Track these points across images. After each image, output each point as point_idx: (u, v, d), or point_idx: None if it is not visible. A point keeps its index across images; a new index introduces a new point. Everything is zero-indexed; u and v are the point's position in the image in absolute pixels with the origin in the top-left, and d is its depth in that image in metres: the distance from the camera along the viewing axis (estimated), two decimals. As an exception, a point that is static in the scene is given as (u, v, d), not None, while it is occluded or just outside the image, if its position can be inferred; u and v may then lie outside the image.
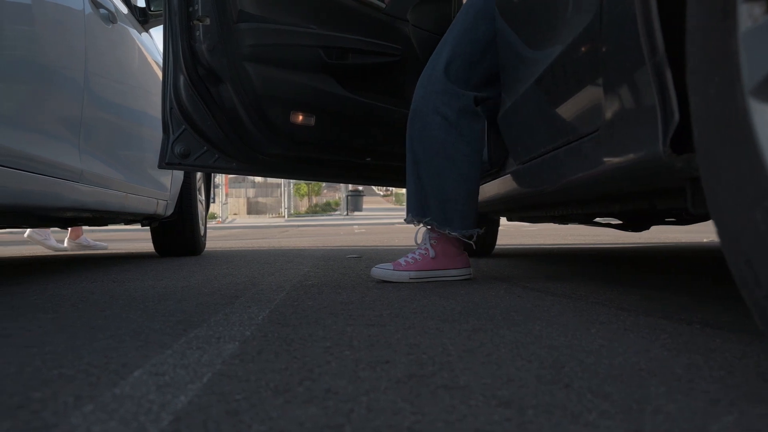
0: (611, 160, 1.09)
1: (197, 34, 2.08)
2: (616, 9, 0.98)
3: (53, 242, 4.64)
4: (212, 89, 2.13)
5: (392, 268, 2.05)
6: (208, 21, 2.07)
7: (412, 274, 2.03)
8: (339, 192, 28.41)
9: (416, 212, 2.04)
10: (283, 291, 1.86)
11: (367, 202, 28.06)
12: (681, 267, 2.70)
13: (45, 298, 1.74)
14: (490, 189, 2.27)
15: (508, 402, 0.74)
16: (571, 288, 1.86)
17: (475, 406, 0.72)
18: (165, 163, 2.17)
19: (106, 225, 3.76)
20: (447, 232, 2.02)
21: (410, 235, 7.43)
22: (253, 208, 29.62)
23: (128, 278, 2.29)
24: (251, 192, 31.39)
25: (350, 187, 24.35)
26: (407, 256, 2.09)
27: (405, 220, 2.11)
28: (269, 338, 1.14)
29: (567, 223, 3.52)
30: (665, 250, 3.86)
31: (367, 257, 3.41)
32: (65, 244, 4.64)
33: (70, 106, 2.22)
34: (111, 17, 2.56)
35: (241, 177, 29.82)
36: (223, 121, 2.14)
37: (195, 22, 2.07)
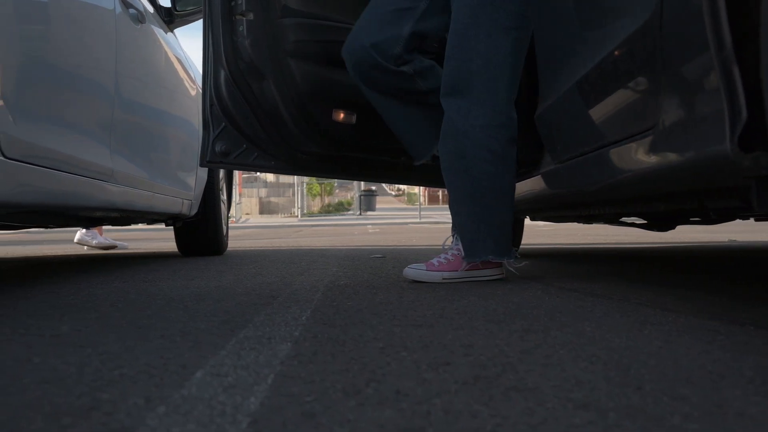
0: (668, 158, 1.08)
1: (240, 29, 2.07)
2: (680, 4, 0.96)
3: (102, 240, 4.72)
4: (254, 85, 2.12)
5: (425, 268, 2.04)
6: (251, 16, 2.06)
7: (445, 274, 2.02)
8: (351, 191, 28.44)
9: (473, 252, 2.01)
10: (317, 291, 1.86)
11: (379, 202, 28.08)
12: (707, 267, 2.68)
13: (82, 298, 1.75)
14: (521, 188, 2.25)
15: (585, 405, 0.72)
16: (607, 288, 1.85)
17: (552, 409, 0.71)
18: (207, 161, 2.17)
19: (129, 225, 3.78)
20: (505, 260, 2.05)
21: (426, 235, 7.43)
22: (265, 208, 29.69)
23: (159, 278, 2.29)
24: (263, 192, 31.46)
25: (363, 186, 24.36)
26: (439, 257, 2.08)
27: (465, 260, 2.03)
28: (320, 339, 1.13)
29: (591, 223, 3.50)
30: (687, 250, 3.83)
31: (391, 257, 3.40)
32: (77, 237, 4.68)
33: (102, 106, 2.22)
34: (140, 17, 2.56)
35: (253, 176, 29.91)
36: (263, 118, 2.13)
37: (238, 16, 2.06)
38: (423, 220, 14.86)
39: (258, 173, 27.28)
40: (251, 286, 2.01)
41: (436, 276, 2.02)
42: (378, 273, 2.43)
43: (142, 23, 2.60)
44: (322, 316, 1.39)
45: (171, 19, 3.11)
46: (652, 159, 1.12)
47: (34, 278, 2.35)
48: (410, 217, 17.12)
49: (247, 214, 27.03)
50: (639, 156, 1.16)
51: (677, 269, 2.58)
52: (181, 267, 2.82)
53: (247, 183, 30.01)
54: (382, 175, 2.51)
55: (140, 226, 4.39)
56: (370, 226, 12.05)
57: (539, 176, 1.90)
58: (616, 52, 1.19)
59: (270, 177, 30.17)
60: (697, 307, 1.46)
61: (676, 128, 1.03)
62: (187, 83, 3.33)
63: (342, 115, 2.20)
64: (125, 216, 2.86)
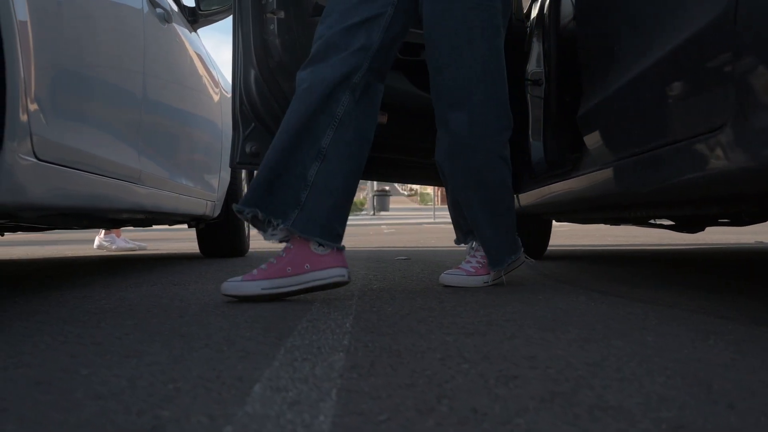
0: (738, 160, 1.02)
1: (271, 27, 2.03)
2: (760, -1, 0.91)
3: (122, 243, 4.72)
4: (284, 85, 2.08)
5: (464, 274, 1.99)
6: (282, 14, 2.02)
7: (486, 278, 1.98)
8: (364, 192, 28.38)
9: (500, 260, 1.96)
10: (353, 296, 1.81)
11: (392, 202, 28.00)
12: (746, 271, 2.61)
13: (114, 303, 1.71)
14: (556, 190, 2.20)
15: (681, 426, 0.68)
16: (653, 294, 1.79)
17: (648, 431, 0.66)
18: (236, 162, 2.12)
19: (150, 226, 3.75)
20: (523, 257, 2.03)
21: (443, 235, 7.38)
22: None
23: (187, 281, 2.25)
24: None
25: (376, 186, 24.31)
26: (470, 262, 2.03)
27: (493, 269, 1.98)
28: (372, 348, 1.09)
29: (619, 224, 3.44)
30: (719, 252, 3.76)
31: (416, 259, 3.36)
32: (96, 243, 4.67)
33: (130, 107, 2.19)
34: (166, 17, 2.53)
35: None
36: None
37: (268, 15, 2.02)
38: (437, 220, 14.80)
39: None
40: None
41: (477, 281, 1.98)
42: (408, 276, 2.39)
43: (168, 23, 2.57)
44: (366, 323, 1.34)
45: (195, 18, 3.08)
46: (721, 160, 1.07)
47: (62, 280, 2.33)
48: (424, 218, 17.06)
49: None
50: (705, 156, 1.11)
51: (718, 272, 2.52)
52: (206, 269, 2.78)
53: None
54: (414, 176, 2.46)
55: (155, 226, 4.37)
56: (384, 227, 11.99)
57: (580, 177, 1.85)
58: (681, 48, 1.14)
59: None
60: (754, 314, 1.41)
61: (749, 129, 0.98)
62: (210, 84, 3.30)
63: None
64: (150, 218, 2.83)
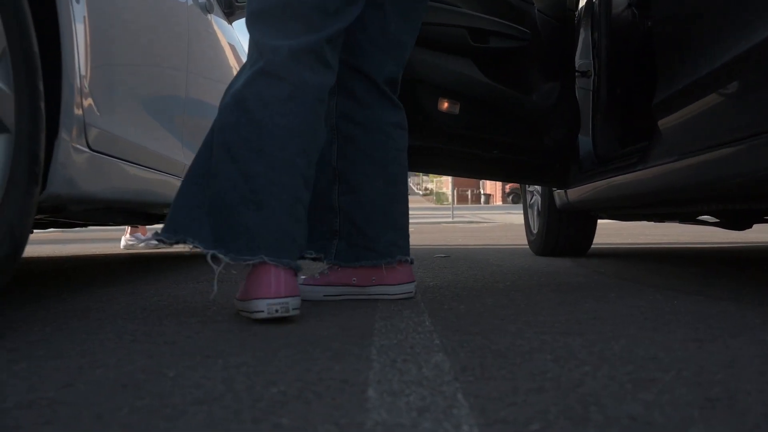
0: None
1: None
2: None
3: (149, 241, 4.65)
4: None
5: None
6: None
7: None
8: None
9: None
10: (416, 293, 1.73)
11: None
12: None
13: (167, 300, 1.64)
14: (618, 183, 2.10)
15: None
16: (733, 291, 1.70)
17: None
18: None
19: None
20: None
21: (467, 234, 7.28)
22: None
23: (232, 278, 2.17)
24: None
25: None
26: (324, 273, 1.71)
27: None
28: (471, 348, 1.00)
29: (664, 221, 3.33)
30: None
31: (454, 257, 3.27)
32: (123, 243, 4.60)
33: (175, 100, 2.12)
34: (208, 6, 2.46)
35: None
36: None
37: None
38: (456, 219, 14.67)
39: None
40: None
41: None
42: (459, 273, 2.30)
43: (210, 13, 2.50)
44: (446, 322, 1.26)
45: (231, 11, 3.01)
46: None
47: (105, 277, 2.26)
48: (442, 217, 16.92)
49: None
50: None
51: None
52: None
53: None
54: (481, 170, 2.34)
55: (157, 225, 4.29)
56: (403, 226, 11.87)
57: (652, 169, 1.75)
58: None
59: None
60: None
61: None
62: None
63: (446, 105, 2.06)
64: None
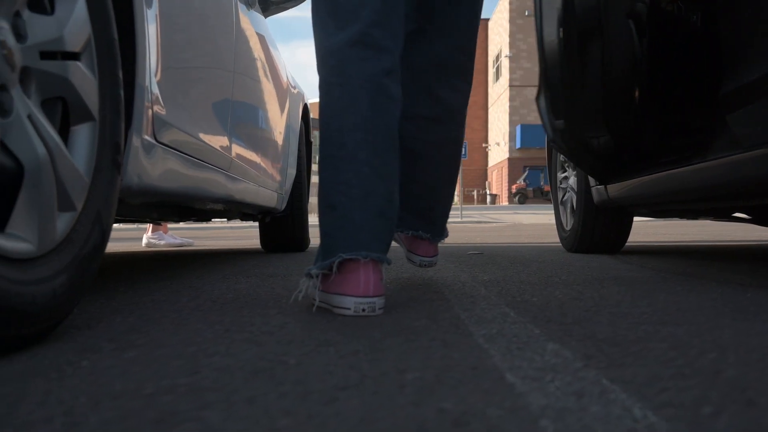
0: None
1: None
2: None
3: (170, 239, 4.65)
4: None
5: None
6: None
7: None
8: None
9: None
10: (475, 287, 1.71)
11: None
12: None
13: (232, 294, 1.63)
14: (668, 178, 2.09)
15: None
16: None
17: None
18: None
19: (209, 221, 3.67)
20: None
21: (482, 233, 7.27)
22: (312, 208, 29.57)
23: (276, 273, 2.17)
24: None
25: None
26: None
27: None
28: (578, 338, 0.99)
29: (698, 218, 3.32)
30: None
31: (488, 253, 3.26)
32: (144, 242, 4.59)
33: (225, 96, 2.11)
34: (250, 1, 2.45)
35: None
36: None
37: None
38: (464, 219, 14.66)
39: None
40: (388, 280, 1.88)
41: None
42: (504, 268, 2.29)
43: (251, 8, 2.50)
44: (530, 314, 1.25)
45: (266, 6, 3.00)
46: None
47: (149, 272, 2.25)
48: (451, 217, 16.90)
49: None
50: None
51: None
52: (289, 262, 2.70)
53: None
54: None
55: (181, 224, 4.28)
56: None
57: (710, 162, 1.73)
58: None
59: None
60: None
61: None
62: (278, 74, 3.22)
63: None
64: (225, 209, 2.75)
